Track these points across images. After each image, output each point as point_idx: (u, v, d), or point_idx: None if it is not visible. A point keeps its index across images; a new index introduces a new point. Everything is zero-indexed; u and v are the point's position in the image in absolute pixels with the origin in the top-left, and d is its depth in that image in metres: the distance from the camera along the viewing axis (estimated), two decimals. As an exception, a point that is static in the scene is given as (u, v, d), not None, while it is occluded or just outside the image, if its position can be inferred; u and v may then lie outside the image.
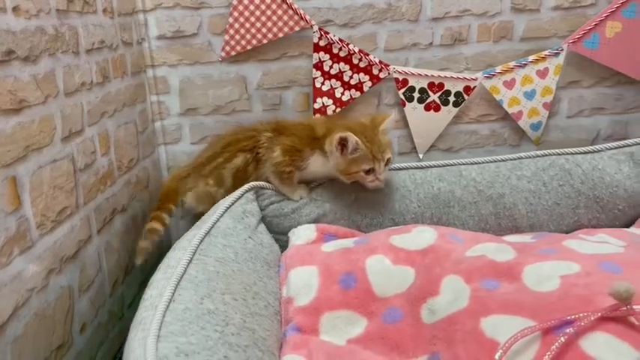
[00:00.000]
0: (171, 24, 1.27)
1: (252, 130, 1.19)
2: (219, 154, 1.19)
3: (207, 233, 1.04)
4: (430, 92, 1.30)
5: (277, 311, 0.99)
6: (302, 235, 1.16)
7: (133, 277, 1.14)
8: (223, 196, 1.16)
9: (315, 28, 1.26)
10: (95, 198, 0.98)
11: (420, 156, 1.36)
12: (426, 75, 1.29)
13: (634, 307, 0.76)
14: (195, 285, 0.89)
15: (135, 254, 1.12)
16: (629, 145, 1.22)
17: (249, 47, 1.27)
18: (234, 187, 1.16)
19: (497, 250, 1.01)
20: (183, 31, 1.28)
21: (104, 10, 1.06)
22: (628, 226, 1.20)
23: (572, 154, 1.23)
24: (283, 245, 1.17)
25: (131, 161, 1.16)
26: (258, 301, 0.96)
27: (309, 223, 1.20)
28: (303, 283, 1.03)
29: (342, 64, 1.28)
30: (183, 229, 1.09)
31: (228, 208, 1.14)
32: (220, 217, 1.10)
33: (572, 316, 0.79)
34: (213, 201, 1.16)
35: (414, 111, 1.32)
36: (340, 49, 1.27)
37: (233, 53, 1.28)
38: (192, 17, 1.27)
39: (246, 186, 1.19)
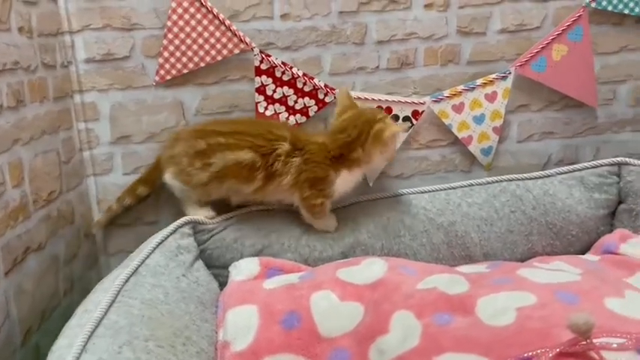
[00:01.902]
0: (101, 46, 1.18)
1: (268, 127, 1.11)
2: (223, 135, 1.09)
3: (135, 272, 0.94)
4: (378, 117, 1.25)
5: (211, 357, 0.89)
6: (244, 269, 1.07)
7: (51, 324, 1.01)
8: (203, 185, 1.09)
9: (256, 50, 1.20)
10: (3, 235, 0.87)
11: (370, 184, 1.29)
12: (373, 99, 1.24)
13: (594, 340, 0.71)
14: (114, 331, 0.79)
15: (55, 297, 1.01)
16: (578, 170, 1.20)
17: (185, 71, 1.19)
18: (218, 179, 1.08)
19: (450, 281, 0.95)
20: (113, 54, 1.19)
21: (20, 29, 0.97)
22: (583, 252, 1.17)
23: (523, 179, 1.21)
24: (224, 282, 1.08)
25: (51, 194, 1.05)
26: (189, 347, 0.86)
27: (253, 255, 1.12)
28: (241, 324, 0.94)
29: (285, 88, 1.22)
30: (115, 267, 0.99)
31: (160, 243, 1.04)
32: (150, 253, 1.01)
33: (529, 353, 0.73)
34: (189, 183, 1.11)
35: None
36: (283, 73, 1.21)
37: (168, 77, 1.20)
38: (123, 39, 1.19)
39: (182, 220, 1.11)
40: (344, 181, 1.11)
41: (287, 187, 1.09)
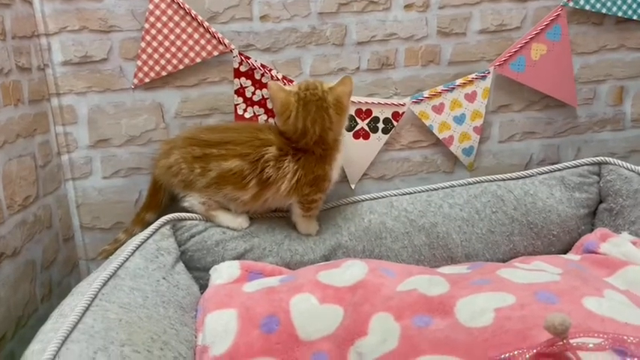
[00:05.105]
0: (78, 48, 1.17)
1: (255, 133, 1.09)
2: (215, 146, 1.08)
3: (113, 275, 0.93)
4: (358, 119, 1.25)
5: (189, 362, 0.88)
6: (224, 273, 1.06)
7: (28, 331, 1.00)
8: (203, 188, 1.09)
9: (235, 52, 1.19)
10: (-24, 241, 0.86)
11: (352, 186, 1.29)
12: (353, 101, 1.23)
13: (570, 340, 0.71)
14: (89, 336, 0.78)
15: (31, 303, 1.00)
16: (559, 170, 1.20)
17: (164, 73, 1.18)
18: (216, 185, 1.08)
19: (430, 282, 0.95)
20: (91, 56, 1.18)
21: (-8, 32, 0.96)
22: (565, 252, 1.17)
23: (504, 180, 1.21)
24: (205, 285, 1.07)
25: (27, 199, 1.04)
26: (167, 352, 0.85)
27: (234, 258, 1.11)
28: (220, 328, 0.93)
29: (264, 90, 1.21)
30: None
31: (139, 245, 1.03)
32: (130, 256, 1.00)
33: (507, 355, 0.73)
34: (185, 184, 1.10)
35: (343, 139, 1.25)
36: (263, 75, 1.20)
37: (147, 79, 1.18)
38: (101, 41, 1.17)
39: (162, 219, 1.09)
40: (338, 165, 1.12)
41: (286, 193, 1.08)
